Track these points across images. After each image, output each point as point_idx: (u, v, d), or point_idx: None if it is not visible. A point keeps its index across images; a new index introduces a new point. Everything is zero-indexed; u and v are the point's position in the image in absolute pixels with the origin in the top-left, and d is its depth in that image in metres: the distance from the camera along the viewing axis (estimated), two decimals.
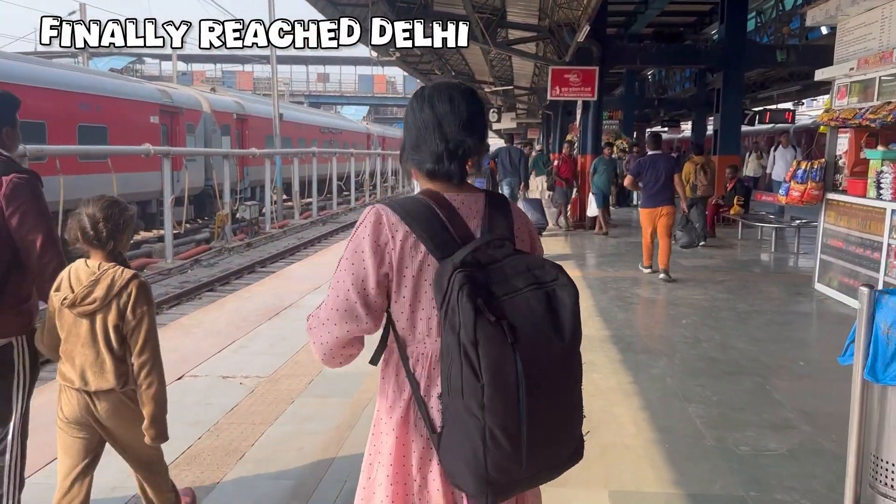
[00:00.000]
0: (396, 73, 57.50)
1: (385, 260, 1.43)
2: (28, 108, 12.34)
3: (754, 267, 9.70)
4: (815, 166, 7.38)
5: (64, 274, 2.36)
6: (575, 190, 13.08)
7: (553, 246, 10.88)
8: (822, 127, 7.87)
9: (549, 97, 12.48)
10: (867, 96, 6.67)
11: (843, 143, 7.38)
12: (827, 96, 8.82)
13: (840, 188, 7.30)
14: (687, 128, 39.85)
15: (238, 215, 19.06)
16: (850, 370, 2.39)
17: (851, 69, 6.84)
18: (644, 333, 6.09)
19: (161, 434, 2.38)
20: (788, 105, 26.66)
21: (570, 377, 1.40)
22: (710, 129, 29.59)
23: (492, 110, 27.20)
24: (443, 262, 1.40)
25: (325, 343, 1.47)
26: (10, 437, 2.43)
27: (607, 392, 4.44)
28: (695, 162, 11.51)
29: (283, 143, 23.46)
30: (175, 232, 18.56)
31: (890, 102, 6.23)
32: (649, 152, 8.40)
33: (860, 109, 6.58)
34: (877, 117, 6.20)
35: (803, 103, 28.53)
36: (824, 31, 12.89)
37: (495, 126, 33.51)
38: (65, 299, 2.29)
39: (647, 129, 29.09)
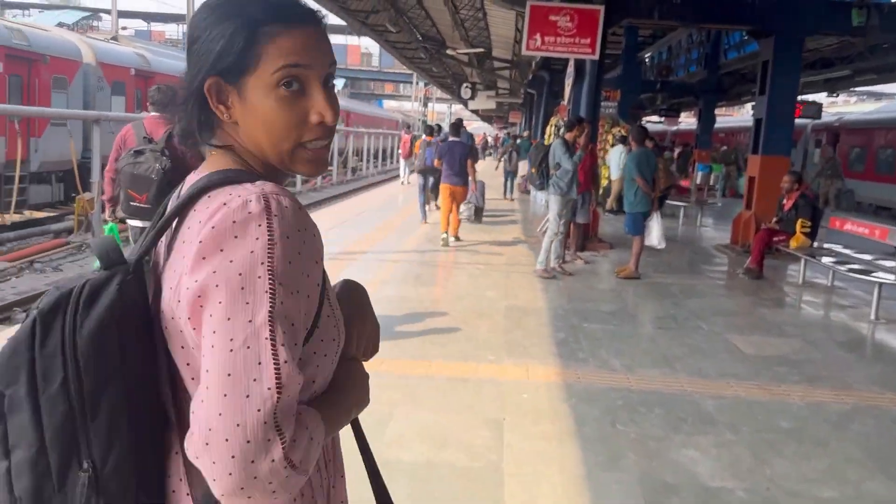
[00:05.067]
0: (372, 45, 52.87)
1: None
2: None
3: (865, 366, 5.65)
4: None
5: None
6: (591, 199, 8.85)
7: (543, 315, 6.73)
8: None
9: (525, 49, 8.30)
10: None
11: None
12: None
13: None
14: (686, 119, 36.09)
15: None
16: None
17: None
18: None
19: None
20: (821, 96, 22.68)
21: None
22: (718, 121, 26.17)
23: (465, 86, 22.93)
24: None
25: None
26: None
27: None
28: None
29: None
30: (17, 220, 14.18)
31: None
32: None
33: None
34: None
35: (837, 94, 24.33)
36: None
37: (471, 106, 29.27)
38: None
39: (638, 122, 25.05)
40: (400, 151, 20.72)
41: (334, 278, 1.14)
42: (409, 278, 7.50)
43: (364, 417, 1.09)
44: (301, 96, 0.93)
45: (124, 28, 47.24)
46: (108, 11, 33.09)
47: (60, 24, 30.28)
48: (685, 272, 8.87)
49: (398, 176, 23.72)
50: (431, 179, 11.81)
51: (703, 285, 8.08)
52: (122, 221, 4.72)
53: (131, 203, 4.31)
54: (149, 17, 57.52)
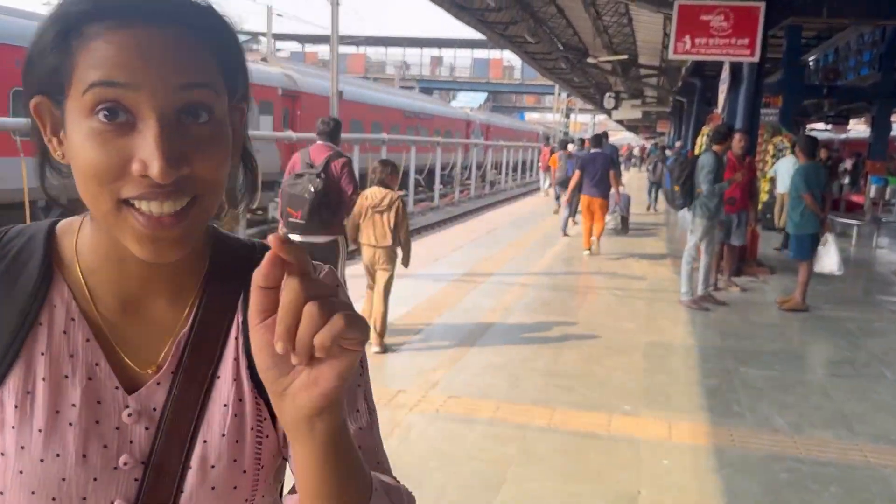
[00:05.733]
0: (514, 58, 52.60)
1: None
2: None
3: None
4: None
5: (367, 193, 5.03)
6: (749, 218, 7.91)
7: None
8: None
9: (672, 53, 7.48)
10: None
11: None
12: None
13: None
14: (856, 127, 32.82)
15: (270, 214, 15.34)
16: None
17: None
18: None
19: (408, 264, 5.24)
20: None
21: None
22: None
23: (608, 95, 21.97)
24: None
25: None
26: None
27: None
28: None
29: (353, 128, 19.43)
30: None
31: None
32: None
33: None
34: None
35: None
36: None
37: (615, 116, 28.14)
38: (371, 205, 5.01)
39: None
40: (539, 164, 20.32)
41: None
42: (536, 305, 6.92)
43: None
44: (129, 132, 0.62)
45: (279, 50, 50.17)
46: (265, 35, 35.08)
47: None
48: (862, 304, 7.64)
49: (538, 189, 23.28)
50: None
51: (885, 321, 6.89)
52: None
53: (289, 220, 4.95)
54: (303, 38, 60.75)
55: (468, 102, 56.40)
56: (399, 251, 5.19)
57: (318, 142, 5.27)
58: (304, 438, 0.57)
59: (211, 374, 0.72)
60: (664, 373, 5.01)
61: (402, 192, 5.18)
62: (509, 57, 53.15)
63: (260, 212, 15.99)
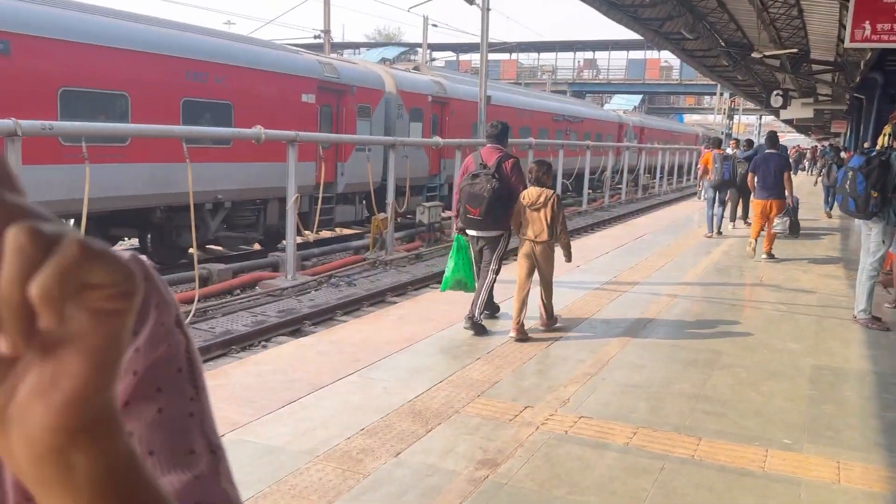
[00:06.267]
0: (672, 58, 50.40)
1: None
2: (105, 75, 9.74)
3: None
4: None
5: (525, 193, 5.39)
6: None
7: None
8: None
9: (848, 41, 6.62)
10: None
11: None
12: None
13: None
14: None
15: (417, 218, 15.53)
16: None
17: None
18: None
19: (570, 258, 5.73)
20: None
21: None
22: None
23: (775, 93, 20.36)
24: None
25: None
26: (490, 280, 5.61)
27: None
28: None
29: None
30: (327, 236, 15.58)
31: None
32: None
33: None
34: None
35: None
36: None
37: (783, 115, 26.08)
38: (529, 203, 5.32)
39: None
40: (699, 167, 19.33)
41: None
42: (686, 319, 6.37)
43: None
44: None
45: (434, 59, 51.24)
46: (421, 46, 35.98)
47: (383, 60, 33.64)
48: None
49: (695, 193, 22.20)
50: (728, 194, 11.99)
51: None
52: (463, 231, 5.84)
53: (468, 216, 5.53)
54: (457, 48, 61.77)
55: (622, 105, 54.75)
56: (558, 247, 5.61)
57: (488, 144, 5.76)
58: (58, 491, 0.33)
59: None
60: (833, 402, 4.38)
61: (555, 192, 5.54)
62: (667, 56, 50.97)
63: (409, 216, 16.27)
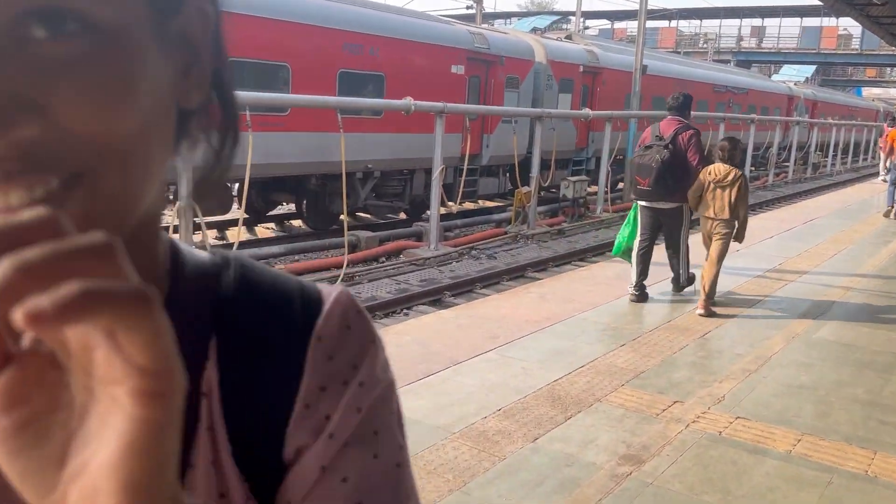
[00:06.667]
0: (852, 25, 45.76)
1: None
2: (265, 46, 10.16)
3: None
4: None
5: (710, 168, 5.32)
6: None
7: None
8: None
9: None
10: None
11: None
12: None
13: None
14: None
15: (561, 193, 15.21)
16: None
17: None
18: None
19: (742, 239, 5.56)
20: None
21: None
22: None
23: None
24: None
25: None
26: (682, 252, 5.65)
27: None
28: None
29: (653, 105, 18.50)
30: (470, 208, 15.57)
31: None
32: None
33: None
34: None
35: None
36: None
37: None
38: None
39: None
40: (880, 147, 17.51)
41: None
42: (861, 314, 5.75)
43: None
44: None
45: (587, 28, 49.80)
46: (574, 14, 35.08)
47: (534, 30, 33.12)
48: None
49: (877, 174, 20.28)
50: None
51: None
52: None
53: (637, 187, 5.59)
54: (612, 15, 59.63)
55: (793, 76, 50.65)
56: (736, 225, 5.46)
57: (668, 116, 5.70)
58: None
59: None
60: None
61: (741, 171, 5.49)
62: (846, 23, 46.30)
63: (554, 190, 15.94)
